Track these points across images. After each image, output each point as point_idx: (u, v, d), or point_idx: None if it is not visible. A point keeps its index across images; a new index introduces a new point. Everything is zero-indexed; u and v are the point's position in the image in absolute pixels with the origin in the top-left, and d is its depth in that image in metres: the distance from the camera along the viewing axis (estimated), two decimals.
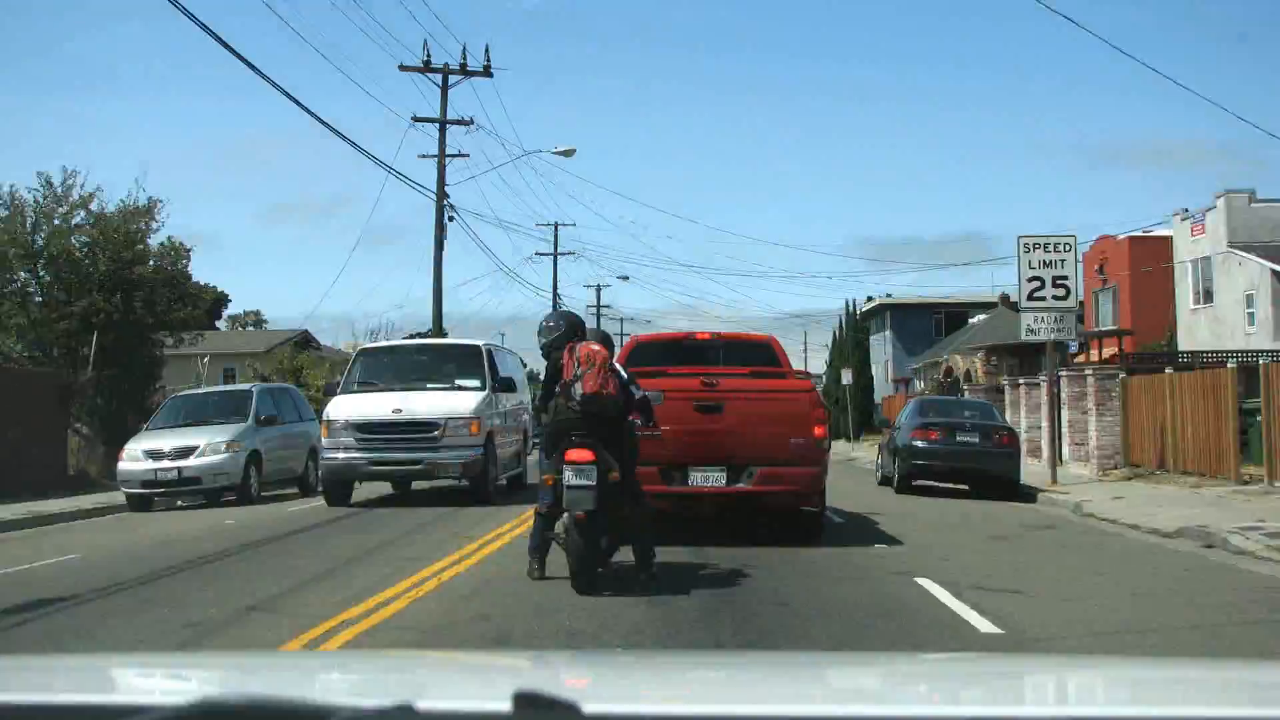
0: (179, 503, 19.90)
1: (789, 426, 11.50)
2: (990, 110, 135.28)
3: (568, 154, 37.67)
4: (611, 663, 3.57)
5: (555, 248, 58.97)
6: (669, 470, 11.44)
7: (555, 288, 58.64)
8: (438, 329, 34.01)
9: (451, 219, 34.25)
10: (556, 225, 59.12)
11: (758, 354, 13.10)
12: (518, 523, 13.56)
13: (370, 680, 2.71)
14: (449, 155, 34.45)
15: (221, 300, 62.86)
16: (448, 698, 2.37)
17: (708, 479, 11.52)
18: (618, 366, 9.35)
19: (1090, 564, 11.35)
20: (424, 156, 34.74)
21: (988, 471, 20.41)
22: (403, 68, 32.91)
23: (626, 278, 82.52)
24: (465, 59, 33.12)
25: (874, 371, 61.87)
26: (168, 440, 19.18)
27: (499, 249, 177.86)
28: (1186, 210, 38.34)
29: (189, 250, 29.88)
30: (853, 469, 30.91)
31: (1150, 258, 40.25)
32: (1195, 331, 37.49)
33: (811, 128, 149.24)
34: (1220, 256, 35.91)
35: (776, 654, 6.03)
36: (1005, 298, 47.83)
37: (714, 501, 11.93)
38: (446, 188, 34.30)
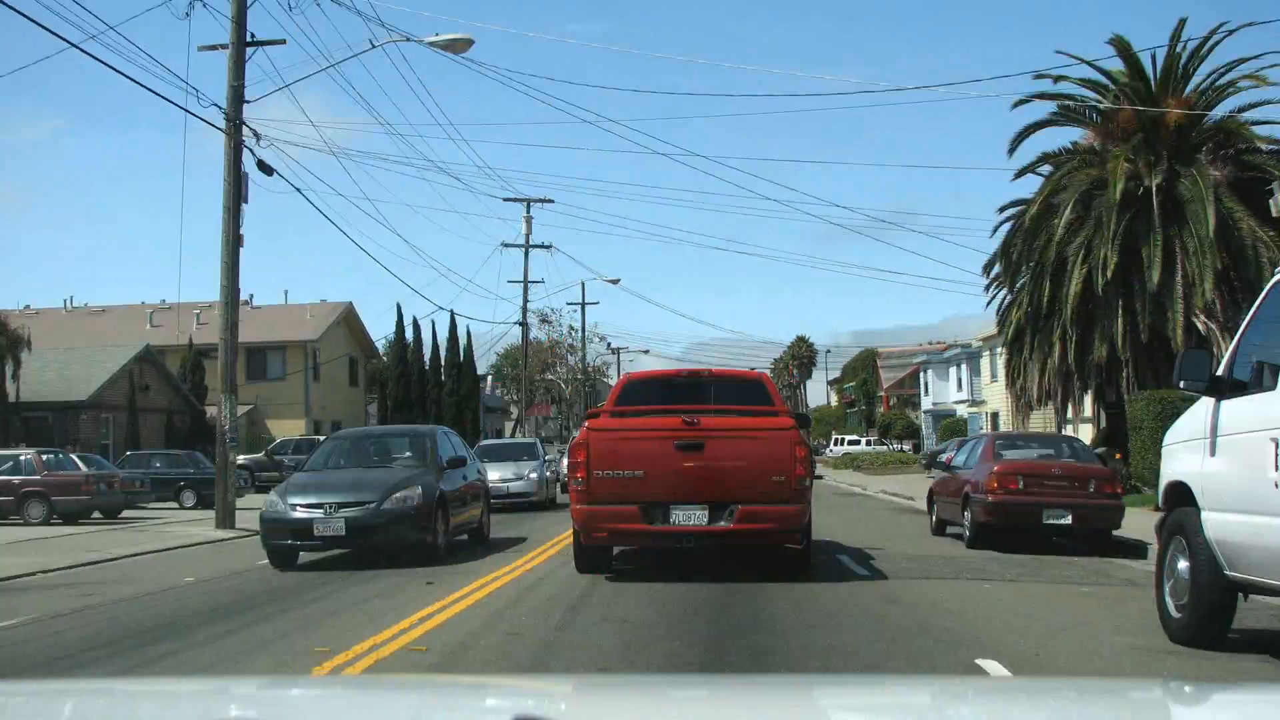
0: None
1: (770, 465, 11.61)
2: None
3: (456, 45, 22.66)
4: (606, 687, 3.65)
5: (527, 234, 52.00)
6: (651, 509, 11.63)
7: (525, 295, 54.21)
8: (230, 333, 21.97)
9: (270, 171, 22.13)
10: (528, 202, 50.95)
11: (749, 391, 13.14)
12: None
13: (367, 706, 2.76)
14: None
15: None
16: None
17: (689, 517, 11.61)
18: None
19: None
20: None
21: None
22: None
23: (617, 280, 77.79)
24: None
25: None
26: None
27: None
28: None
29: None
30: None
31: None
32: None
33: None
34: None
35: (768, 676, 6.10)
36: None
37: (695, 540, 11.86)
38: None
